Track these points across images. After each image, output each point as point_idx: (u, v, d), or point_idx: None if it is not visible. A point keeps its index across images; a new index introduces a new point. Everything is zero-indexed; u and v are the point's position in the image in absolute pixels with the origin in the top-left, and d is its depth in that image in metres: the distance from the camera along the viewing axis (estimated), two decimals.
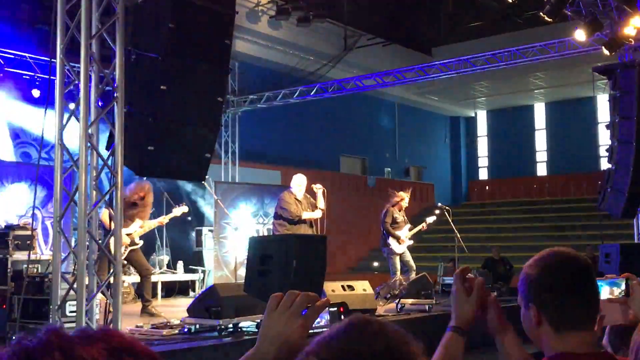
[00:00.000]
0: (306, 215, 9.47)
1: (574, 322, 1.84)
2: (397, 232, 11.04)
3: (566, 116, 25.77)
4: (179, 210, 10.06)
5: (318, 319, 1.54)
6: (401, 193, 11.40)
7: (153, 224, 9.79)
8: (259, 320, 7.33)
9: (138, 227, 9.14)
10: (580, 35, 11.56)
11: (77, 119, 5.46)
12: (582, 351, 1.82)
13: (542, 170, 26.92)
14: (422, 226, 11.50)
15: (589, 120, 25.06)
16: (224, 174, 16.17)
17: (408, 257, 11.19)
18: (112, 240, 5.98)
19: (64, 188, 5.62)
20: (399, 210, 11.26)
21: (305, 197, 9.65)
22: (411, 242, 11.27)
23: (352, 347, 1.01)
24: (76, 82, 5.58)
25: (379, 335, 1.02)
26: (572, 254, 1.92)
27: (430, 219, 11.67)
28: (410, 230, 11.20)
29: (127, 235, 8.73)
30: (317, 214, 9.63)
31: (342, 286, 8.39)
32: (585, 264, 1.90)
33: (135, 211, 9.16)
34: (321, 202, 9.66)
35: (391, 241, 11.01)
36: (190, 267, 13.27)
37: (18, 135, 13.14)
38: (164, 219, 9.89)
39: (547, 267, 1.87)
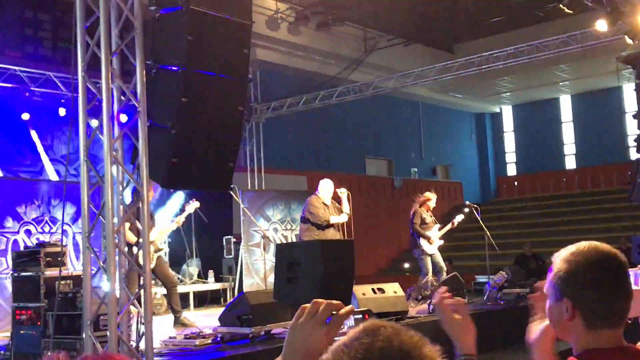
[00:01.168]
0: (334, 219, 9.51)
1: (609, 320, 1.82)
2: (427, 233, 10.99)
3: (593, 107, 25.47)
4: (192, 207, 9.76)
5: (343, 326, 1.54)
6: (427, 193, 11.37)
7: (171, 226, 9.68)
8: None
9: (157, 233, 9.15)
10: (601, 25, 11.43)
11: (101, 135, 5.52)
12: (611, 346, 1.80)
13: (570, 163, 26.64)
14: (451, 224, 11.38)
15: (615, 111, 24.73)
16: (250, 182, 16.24)
17: (439, 257, 11.14)
18: (140, 252, 6.05)
19: (91, 204, 5.69)
20: (427, 211, 11.21)
21: (332, 202, 9.68)
22: (441, 241, 11.21)
23: (365, 353, 1.01)
24: (99, 98, 5.65)
25: (391, 339, 1.03)
26: (612, 250, 1.89)
27: (459, 218, 11.54)
28: (439, 229, 11.15)
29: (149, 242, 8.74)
30: (343, 218, 9.66)
31: (373, 289, 8.38)
32: (624, 260, 1.87)
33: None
34: (346, 207, 9.69)
35: (422, 242, 10.96)
36: (221, 276, 13.35)
37: (47, 153, 13.34)
38: (179, 220, 9.63)
39: (588, 262, 1.84)
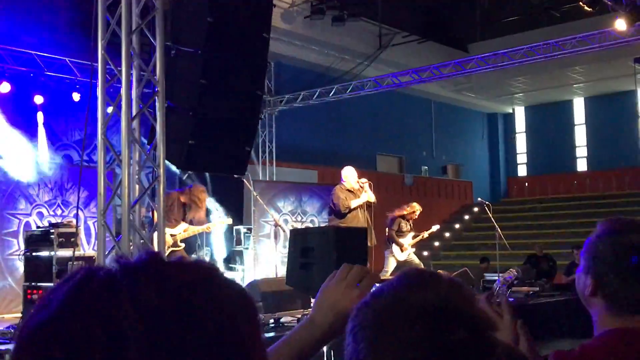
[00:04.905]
0: (355, 203, 9.56)
1: (634, 307, 1.72)
2: (400, 240, 11.14)
3: (606, 110, 25.32)
4: (223, 224, 10.40)
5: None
6: (415, 205, 11.44)
7: (197, 229, 9.45)
8: (299, 316, 7.33)
9: (182, 231, 9.08)
10: (620, 24, 11.36)
11: (119, 114, 5.51)
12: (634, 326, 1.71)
13: (582, 165, 26.50)
14: (422, 235, 11.66)
15: (630, 114, 24.55)
16: (262, 174, 16.23)
17: (414, 259, 11.26)
18: (155, 235, 6.03)
19: (108, 183, 5.69)
20: (408, 221, 11.29)
21: (360, 184, 9.74)
22: (413, 249, 11.40)
23: (403, 295, 1.01)
24: (117, 77, 5.64)
25: (430, 283, 1.02)
26: None
27: (433, 229, 11.96)
28: (413, 238, 11.38)
29: (171, 235, 8.69)
30: (363, 198, 9.68)
31: (382, 280, 8.36)
32: None
33: (188, 213, 9.01)
34: (371, 196, 9.73)
35: (394, 248, 11.09)
36: (230, 265, 13.35)
37: (59, 139, 13.35)
38: (210, 227, 9.78)
39: (617, 243, 1.73)
